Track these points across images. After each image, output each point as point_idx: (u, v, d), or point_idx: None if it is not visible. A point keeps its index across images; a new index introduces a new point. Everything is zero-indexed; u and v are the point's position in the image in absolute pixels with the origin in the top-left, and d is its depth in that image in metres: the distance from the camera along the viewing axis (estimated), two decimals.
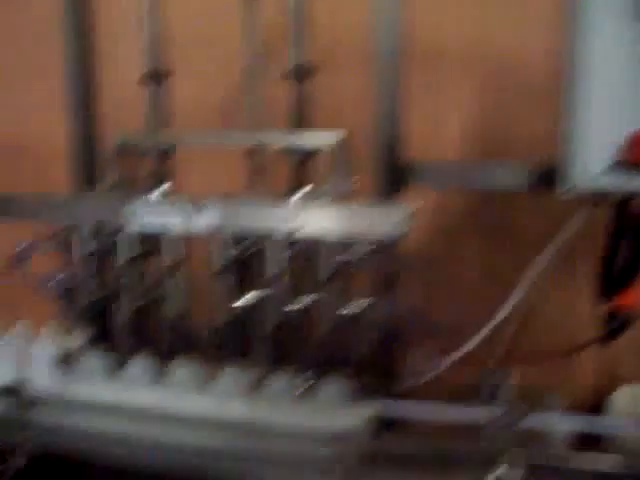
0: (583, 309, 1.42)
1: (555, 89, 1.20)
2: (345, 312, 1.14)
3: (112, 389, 1.24)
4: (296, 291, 1.17)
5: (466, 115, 1.54)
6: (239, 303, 1.17)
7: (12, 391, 1.20)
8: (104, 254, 1.27)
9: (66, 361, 1.37)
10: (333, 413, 1.13)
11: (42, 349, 1.27)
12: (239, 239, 1.18)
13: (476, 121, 1.56)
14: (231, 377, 1.18)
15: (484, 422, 1.15)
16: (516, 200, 1.50)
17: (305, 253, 1.18)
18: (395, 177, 1.25)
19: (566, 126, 1.09)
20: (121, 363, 1.26)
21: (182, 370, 1.22)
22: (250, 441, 1.12)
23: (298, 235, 1.11)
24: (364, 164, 1.29)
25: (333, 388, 1.15)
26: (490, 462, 1.00)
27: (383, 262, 1.16)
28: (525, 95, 1.58)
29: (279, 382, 1.17)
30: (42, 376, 1.26)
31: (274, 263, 1.16)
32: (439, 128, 1.56)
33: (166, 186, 1.29)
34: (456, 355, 1.39)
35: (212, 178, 1.28)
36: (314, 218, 1.12)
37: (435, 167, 1.29)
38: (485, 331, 1.37)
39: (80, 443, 1.20)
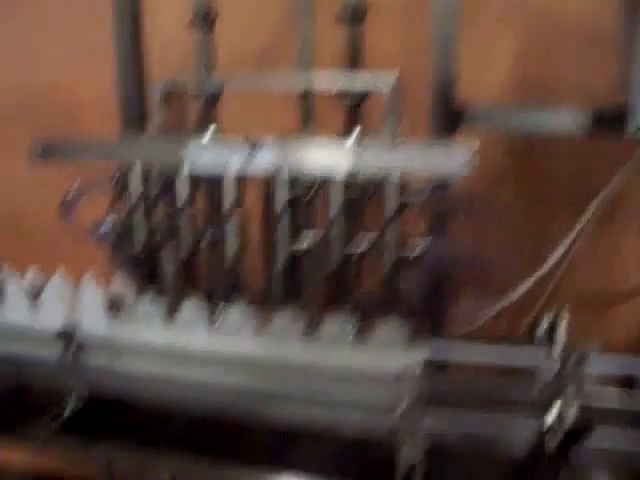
0: (632, 253, 1.41)
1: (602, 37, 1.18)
2: (402, 254, 1.13)
3: (163, 333, 1.24)
4: (353, 233, 1.16)
5: (514, 60, 1.51)
6: (298, 245, 1.16)
7: (64, 336, 1.20)
8: (156, 198, 1.26)
9: (116, 306, 1.38)
10: (389, 355, 1.12)
11: (92, 294, 1.26)
12: (296, 180, 1.16)
13: (523, 66, 1.53)
14: (286, 320, 1.18)
15: (539, 364, 1.15)
16: (566, 145, 1.48)
17: (364, 194, 1.16)
18: (448, 120, 1.23)
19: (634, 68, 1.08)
20: (173, 307, 1.26)
21: (236, 314, 1.21)
22: (307, 384, 1.12)
23: (357, 175, 1.08)
24: (415, 107, 1.27)
25: (388, 330, 1.14)
26: (545, 403, 1.01)
27: (441, 202, 1.14)
28: (572, 41, 1.55)
29: (334, 325, 1.16)
30: (93, 321, 1.26)
31: (332, 204, 1.14)
32: (488, 72, 1.53)
33: (214, 129, 1.27)
34: (507, 299, 1.39)
35: (260, 122, 1.26)
36: (373, 158, 1.09)
37: (488, 110, 1.27)
38: (537, 275, 1.37)
39: (131, 386, 1.21)
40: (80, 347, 1.20)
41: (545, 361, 1.12)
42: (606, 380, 1.07)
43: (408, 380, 1.02)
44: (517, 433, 1.03)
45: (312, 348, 1.16)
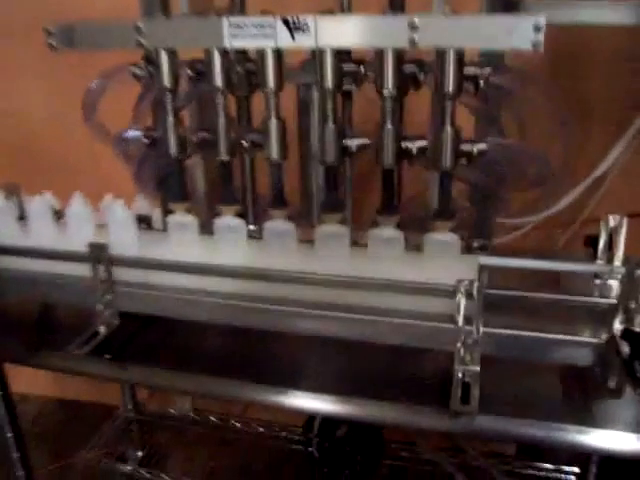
0: None
1: None
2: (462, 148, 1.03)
3: (198, 248, 1.19)
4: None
5: None
6: (349, 143, 1.07)
7: (94, 253, 1.14)
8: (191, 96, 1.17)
9: (147, 222, 1.32)
10: (442, 266, 1.06)
11: (119, 212, 1.20)
12: (339, 68, 1.03)
13: None
14: (333, 232, 1.11)
15: (598, 272, 1.12)
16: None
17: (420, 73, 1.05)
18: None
19: None
20: (206, 222, 1.20)
21: (276, 227, 1.15)
22: (356, 298, 1.06)
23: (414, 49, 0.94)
24: None
25: (439, 240, 1.08)
26: (609, 312, 0.97)
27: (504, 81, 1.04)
28: None
29: (383, 236, 1.10)
30: (123, 238, 1.20)
31: (386, 88, 1.01)
32: None
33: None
34: (549, 210, 1.32)
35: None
36: (432, 30, 0.91)
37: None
38: (588, 181, 1.30)
39: (166, 304, 1.16)
40: (111, 264, 1.14)
41: (607, 270, 1.08)
42: None
43: (464, 291, 0.96)
44: (582, 344, 0.98)
45: (362, 261, 1.10)
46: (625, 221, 1.05)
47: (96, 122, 1.22)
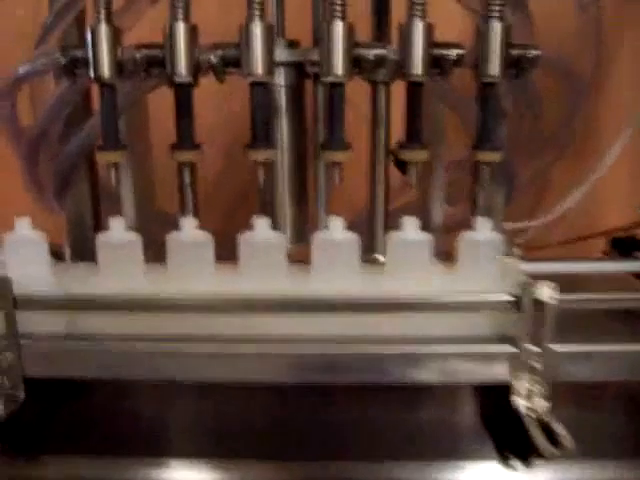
0: None
1: None
2: None
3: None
4: None
5: None
6: (364, 52, 0.77)
7: None
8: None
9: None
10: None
11: (26, 233, 0.82)
12: None
13: None
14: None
15: None
16: None
17: None
18: None
19: None
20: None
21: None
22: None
23: None
24: None
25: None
26: None
27: None
28: None
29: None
30: (32, 270, 0.81)
31: None
32: None
33: None
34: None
35: None
36: None
37: None
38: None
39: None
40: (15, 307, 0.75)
41: None
42: None
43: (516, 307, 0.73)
44: None
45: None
46: None
47: None
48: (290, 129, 0.89)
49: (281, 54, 0.82)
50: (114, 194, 0.96)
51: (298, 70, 0.87)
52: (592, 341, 0.77)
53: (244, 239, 0.77)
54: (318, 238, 0.78)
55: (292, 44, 0.87)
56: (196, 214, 0.84)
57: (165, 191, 1.02)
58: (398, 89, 0.90)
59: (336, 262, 0.77)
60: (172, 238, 0.78)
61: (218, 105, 1.19)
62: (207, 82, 0.80)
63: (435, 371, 0.74)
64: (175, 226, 0.78)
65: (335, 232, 0.76)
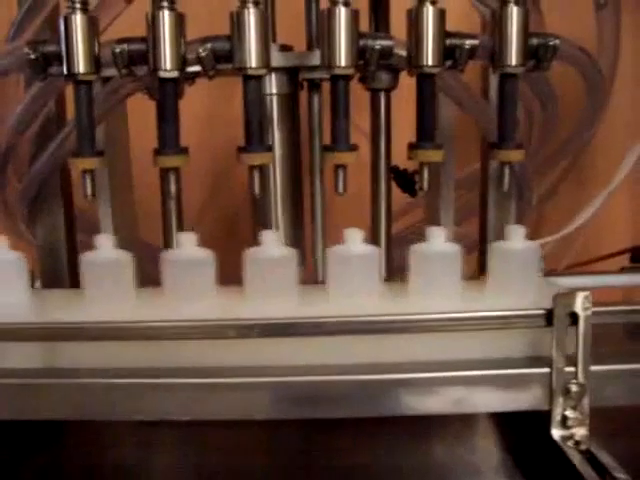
0: None
1: None
2: None
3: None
4: None
5: None
6: (371, 43, 0.69)
7: None
8: None
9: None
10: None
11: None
12: None
13: None
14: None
15: None
16: None
17: None
18: None
19: None
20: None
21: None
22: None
23: None
24: None
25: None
26: None
27: None
28: None
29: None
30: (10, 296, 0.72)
31: None
32: None
33: None
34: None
35: None
36: None
37: None
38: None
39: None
40: None
41: None
42: None
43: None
44: None
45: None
46: None
47: None
48: (283, 140, 0.81)
49: (274, 59, 0.74)
50: (91, 221, 0.87)
51: (291, 77, 0.80)
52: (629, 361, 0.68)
53: (250, 256, 0.68)
54: (334, 253, 0.69)
55: (285, 48, 0.80)
56: (180, 228, 0.75)
57: (149, 221, 0.94)
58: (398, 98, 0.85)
59: (355, 278, 0.68)
60: (168, 257, 0.69)
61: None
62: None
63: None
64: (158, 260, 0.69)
65: (353, 245, 0.68)
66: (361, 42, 0.67)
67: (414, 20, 0.66)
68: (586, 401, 0.63)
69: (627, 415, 0.69)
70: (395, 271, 0.84)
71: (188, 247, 0.68)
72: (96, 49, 0.67)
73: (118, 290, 0.69)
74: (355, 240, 0.67)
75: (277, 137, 0.81)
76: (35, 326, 0.66)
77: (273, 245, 0.68)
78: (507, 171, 0.71)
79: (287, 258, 0.68)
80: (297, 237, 0.82)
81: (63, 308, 0.71)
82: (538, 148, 0.88)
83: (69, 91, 0.71)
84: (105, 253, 0.69)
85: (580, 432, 0.63)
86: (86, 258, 0.69)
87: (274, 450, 0.73)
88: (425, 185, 0.71)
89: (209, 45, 0.68)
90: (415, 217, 1.01)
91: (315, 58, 0.75)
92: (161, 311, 0.67)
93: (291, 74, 0.80)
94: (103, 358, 0.66)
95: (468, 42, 0.68)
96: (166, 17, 0.65)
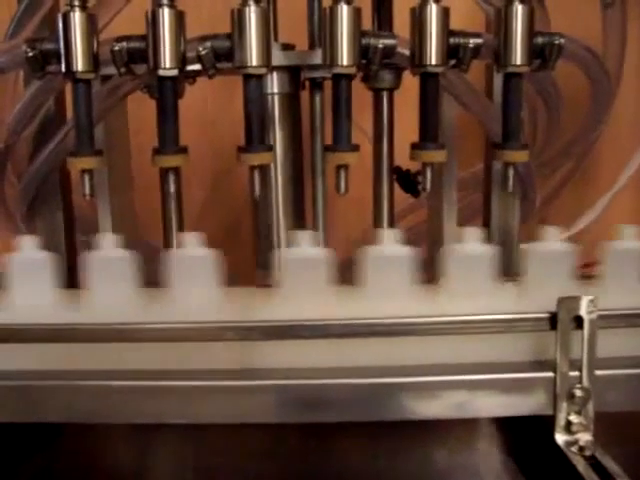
0: None
1: None
2: None
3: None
4: None
5: None
6: (373, 42, 0.68)
7: None
8: None
9: None
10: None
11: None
12: None
13: None
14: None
15: None
16: None
17: None
18: None
19: None
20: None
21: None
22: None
23: None
24: None
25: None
26: None
27: None
28: None
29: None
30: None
31: None
32: None
33: None
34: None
35: None
36: None
37: None
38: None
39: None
40: None
41: None
42: None
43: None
44: None
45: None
46: None
47: None
48: (284, 140, 0.80)
49: (275, 58, 0.73)
50: (91, 223, 0.86)
51: (293, 76, 0.79)
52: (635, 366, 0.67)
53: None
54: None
55: (287, 47, 0.79)
56: (181, 229, 0.74)
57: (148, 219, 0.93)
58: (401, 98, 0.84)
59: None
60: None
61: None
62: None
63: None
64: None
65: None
66: (363, 41, 0.66)
67: (417, 19, 0.66)
68: (591, 406, 0.63)
69: (632, 420, 0.68)
70: None
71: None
72: (95, 47, 0.66)
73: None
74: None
75: (278, 137, 0.80)
76: (35, 327, 0.65)
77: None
78: (511, 172, 0.70)
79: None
80: None
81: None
82: (542, 148, 0.88)
83: (68, 90, 0.70)
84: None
85: (584, 437, 0.62)
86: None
87: (274, 452, 0.72)
88: (428, 186, 0.71)
89: (209, 43, 0.67)
90: (418, 218, 1.00)
91: (317, 57, 0.74)
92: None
93: (293, 73, 0.79)
94: (101, 360, 0.65)
95: (472, 41, 0.67)
96: (166, 15, 0.64)
